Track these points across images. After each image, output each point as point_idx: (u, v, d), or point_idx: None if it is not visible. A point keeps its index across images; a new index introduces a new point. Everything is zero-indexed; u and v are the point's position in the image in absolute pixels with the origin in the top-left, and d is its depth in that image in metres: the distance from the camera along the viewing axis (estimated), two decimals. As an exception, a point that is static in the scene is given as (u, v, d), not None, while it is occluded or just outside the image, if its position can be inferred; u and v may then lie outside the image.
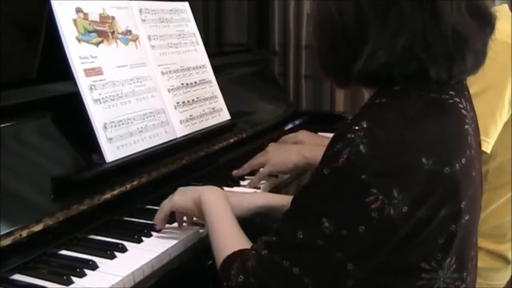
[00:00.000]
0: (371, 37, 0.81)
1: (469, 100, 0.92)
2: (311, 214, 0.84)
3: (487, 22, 0.86)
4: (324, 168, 0.83)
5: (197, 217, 1.19)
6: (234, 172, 1.54)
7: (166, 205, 1.18)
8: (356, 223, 0.80)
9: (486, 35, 0.86)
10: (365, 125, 0.81)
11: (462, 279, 0.89)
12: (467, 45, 0.82)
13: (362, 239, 0.80)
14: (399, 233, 0.81)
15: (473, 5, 0.84)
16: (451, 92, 0.86)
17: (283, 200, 1.25)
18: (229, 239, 1.01)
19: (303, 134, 1.76)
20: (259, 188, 1.50)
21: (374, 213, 0.79)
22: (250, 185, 1.50)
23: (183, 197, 1.16)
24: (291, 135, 1.76)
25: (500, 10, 1.42)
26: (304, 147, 1.59)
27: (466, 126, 0.87)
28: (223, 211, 1.08)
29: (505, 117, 1.34)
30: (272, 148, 1.55)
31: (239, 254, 0.94)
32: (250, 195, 1.30)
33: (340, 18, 0.83)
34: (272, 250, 0.87)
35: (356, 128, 0.81)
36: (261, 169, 1.51)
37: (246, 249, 0.93)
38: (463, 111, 0.87)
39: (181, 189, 1.20)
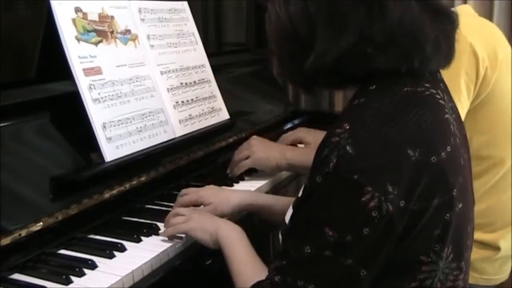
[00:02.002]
0: (320, 37, 0.85)
1: (446, 91, 0.93)
2: (312, 226, 0.83)
3: (441, 15, 0.87)
4: (316, 176, 0.83)
5: (210, 248, 1.14)
6: (228, 172, 1.55)
7: (182, 227, 1.15)
8: (359, 225, 0.80)
9: (443, 25, 0.87)
10: (347, 127, 0.81)
11: (460, 269, 0.90)
12: (417, 34, 0.83)
13: (367, 241, 0.80)
14: (398, 228, 0.81)
15: (424, 2, 0.86)
16: (426, 85, 0.88)
17: (273, 200, 1.24)
18: (246, 272, 1.00)
19: (301, 131, 1.76)
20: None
21: (374, 213, 0.79)
22: (231, 174, 1.51)
23: (201, 227, 1.12)
24: (290, 132, 1.76)
25: (461, 8, 1.51)
26: (287, 148, 1.59)
27: (446, 116, 0.88)
28: (240, 246, 1.06)
29: (465, 102, 1.35)
30: (255, 141, 1.53)
31: (256, 286, 0.92)
32: (239, 192, 1.31)
33: (291, 24, 0.88)
34: (283, 274, 0.86)
35: (339, 131, 0.81)
36: (244, 161, 1.51)
37: (262, 280, 0.92)
38: (440, 101, 0.88)
39: (196, 217, 1.16)
